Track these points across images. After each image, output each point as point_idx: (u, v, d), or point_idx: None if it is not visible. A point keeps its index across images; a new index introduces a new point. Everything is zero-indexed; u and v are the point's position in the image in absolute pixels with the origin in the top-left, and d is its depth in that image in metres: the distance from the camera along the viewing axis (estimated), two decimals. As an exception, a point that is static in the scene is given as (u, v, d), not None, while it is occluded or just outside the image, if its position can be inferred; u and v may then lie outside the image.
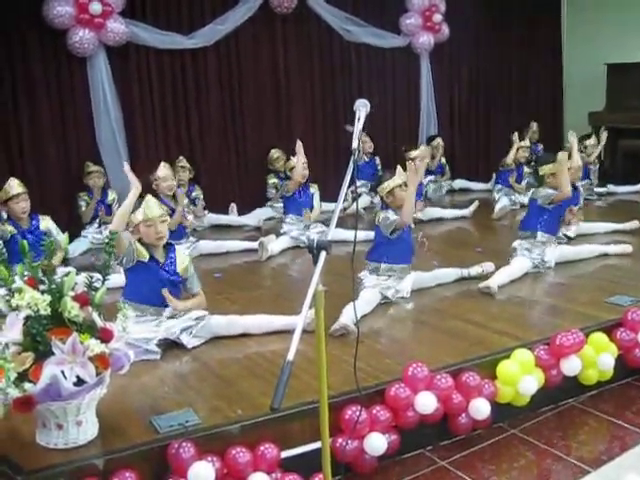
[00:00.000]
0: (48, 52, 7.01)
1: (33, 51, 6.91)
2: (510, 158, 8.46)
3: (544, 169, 5.48)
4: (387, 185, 4.76)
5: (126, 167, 4.42)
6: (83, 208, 6.98)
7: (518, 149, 8.49)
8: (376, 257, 4.77)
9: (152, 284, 3.98)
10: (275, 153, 8.26)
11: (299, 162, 6.65)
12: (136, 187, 4.11)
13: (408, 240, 4.80)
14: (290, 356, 1.89)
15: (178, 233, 6.02)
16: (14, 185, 5.37)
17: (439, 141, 9.34)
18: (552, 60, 10.99)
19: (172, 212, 5.83)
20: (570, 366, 3.80)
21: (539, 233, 5.41)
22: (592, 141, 8.67)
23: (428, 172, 9.19)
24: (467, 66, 10.16)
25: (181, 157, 7.51)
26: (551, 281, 5.26)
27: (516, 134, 8.59)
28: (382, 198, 4.88)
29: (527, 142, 8.82)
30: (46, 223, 5.46)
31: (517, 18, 10.38)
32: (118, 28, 7.08)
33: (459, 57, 10.05)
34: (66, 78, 7.16)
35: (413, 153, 7.67)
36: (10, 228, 5.26)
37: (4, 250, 2.97)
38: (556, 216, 5.46)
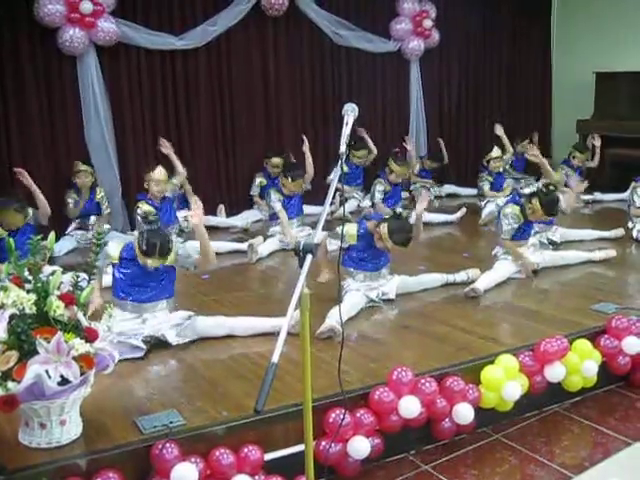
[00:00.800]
0: (38, 50, 6.98)
1: (23, 49, 6.87)
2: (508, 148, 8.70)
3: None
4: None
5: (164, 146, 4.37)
6: (71, 205, 6.96)
7: (492, 159, 8.50)
8: (349, 264, 4.79)
9: (138, 279, 4.02)
10: (279, 161, 8.12)
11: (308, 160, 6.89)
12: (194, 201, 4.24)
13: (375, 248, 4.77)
14: (274, 358, 1.89)
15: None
16: None
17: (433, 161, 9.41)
18: (542, 68, 11.04)
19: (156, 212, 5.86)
20: (554, 372, 3.82)
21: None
22: (582, 156, 8.74)
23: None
24: (457, 72, 10.18)
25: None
26: (536, 287, 5.28)
27: (497, 126, 8.73)
28: None
29: (499, 152, 8.77)
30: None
31: (507, 25, 10.44)
32: (109, 27, 7.06)
33: (449, 63, 10.08)
34: (56, 77, 7.12)
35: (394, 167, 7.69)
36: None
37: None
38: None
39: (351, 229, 4.66)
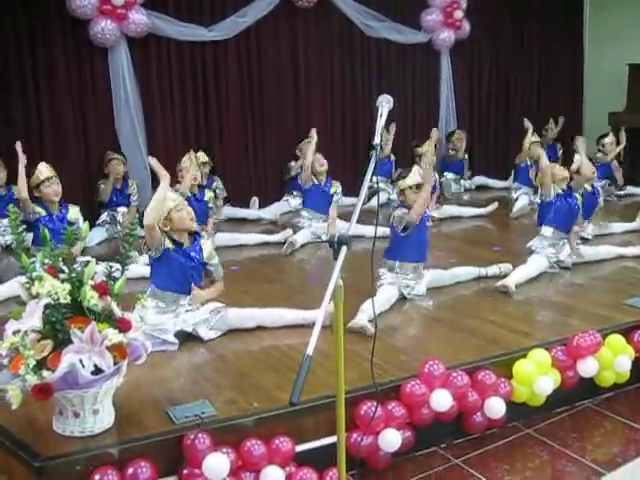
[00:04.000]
0: (70, 42, 7.04)
1: (55, 41, 6.94)
2: (527, 143, 8.44)
3: (404, 183, 4.78)
4: (400, 184, 4.79)
5: (152, 160, 4.40)
6: (102, 187, 7.08)
7: (530, 145, 8.43)
8: (391, 255, 4.77)
9: (176, 271, 4.02)
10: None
11: (309, 153, 6.75)
12: (165, 178, 4.03)
13: (420, 238, 4.77)
14: (309, 350, 1.88)
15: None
16: (43, 170, 5.39)
17: (461, 134, 9.31)
18: (573, 59, 10.91)
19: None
20: (587, 367, 3.78)
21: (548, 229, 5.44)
22: (609, 139, 8.63)
23: (448, 168, 9.18)
24: (487, 63, 10.11)
25: (200, 151, 7.49)
26: (568, 281, 5.23)
27: (526, 120, 8.54)
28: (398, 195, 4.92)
29: (536, 137, 8.69)
30: (75, 213, 5.43)
31: (538, 16, 10.32)
32: (140, 19, 7.10)
33: (479, 54, 10.01)
34: (87, 68, 7.18)
35: (421, 149, 7.66)
36: (39, 209, 5.30)
37: (26, 237, 2.97)
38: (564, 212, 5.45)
39: None
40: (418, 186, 4.67)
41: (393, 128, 8.63)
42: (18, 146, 5.41)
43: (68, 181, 6.66)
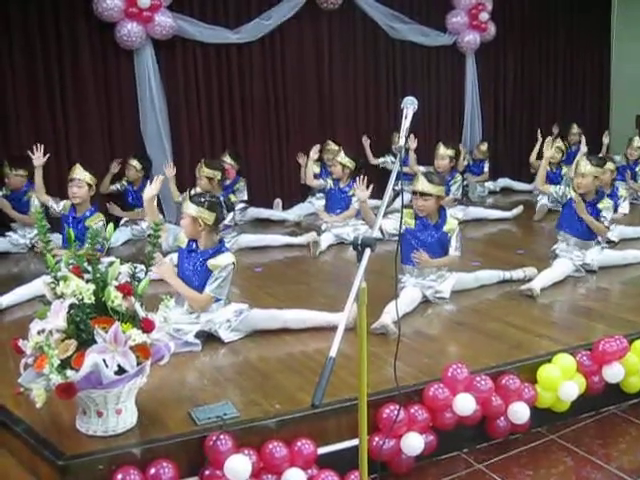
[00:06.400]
0: (96, 45, 7.12)
1: (82, 44, 7.02)
2: (533, 157, 8.37)
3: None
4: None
5: (168, 171, 4.47)
6: (111, 187, 7.30)
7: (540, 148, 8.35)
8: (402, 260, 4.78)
9: (187, 271, 4.05)
10: (329, 144, 8.20)
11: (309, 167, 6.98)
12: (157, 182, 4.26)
13: (421, 243, 4.73)
14: (332, 352, 1.87)
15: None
16: (74, 170, 5.47)
17: (483, 147, 9.26)
18: (599, 60, 10.82)
19: None
20: (612, 373, 3.73)
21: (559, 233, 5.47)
22: (637, 142, 8.54)
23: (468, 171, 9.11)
24: (512, 65, 10.05)
25: (225, 152, 7.53)
26: (594, 285, 5.17)
27: (538, 132, 8.42)
28: None
29: (558, 142, 8.61)
30: (93, 221, 5.43)
31: (564, 16, 10.24)
32: (165, 22, 7.15)
33: (505, 56, 9.96)
34: (113, 70, 7.26)
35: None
36: (67, 205, 5.45)
37: (51, 238, 2.99)
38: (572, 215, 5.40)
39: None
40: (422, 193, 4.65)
41: (414, 142, 7.96)
42: (35, 149, 5.59)
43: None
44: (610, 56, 10.86)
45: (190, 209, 4.04)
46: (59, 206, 5.49)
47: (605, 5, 10.69)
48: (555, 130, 9.65)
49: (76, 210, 5.40)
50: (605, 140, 8.06)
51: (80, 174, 5.43)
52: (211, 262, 4.03)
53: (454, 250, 4.73)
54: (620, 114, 10.60)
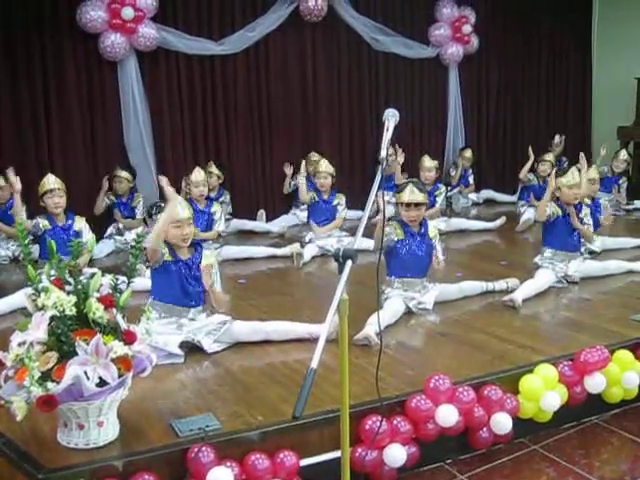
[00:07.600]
0: (80, 56, 7.10)
1: (65, 55, 7.00)
2: (523, 174, 8.46)
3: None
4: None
5: (163, 180, 4.41)
6: (98, 202, 7.14)
7: (533, 164, 8.46)
8: (388, 271, 4.80)
9: (176, 283, 4.02)
10: (314, 156, 8.19)
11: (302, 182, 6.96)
12: (173, 197, 4.02)
13: (409, 254, 4.74)
14: (314, 364, 1.87)
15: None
16: (48, 181, 5.49)
17: (467, 153, 9.32)
18: (582, 73, 10.93)
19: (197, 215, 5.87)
20: (594, 383, 3.75)
21: (549, 249, 5.48)
22: (623, 155, 8.64)
23: (452, 184, 9.17)
24: (496, 78, 10.13)
25: (210, 162, 7.55)
26: (576, 296, 5.20)
27: (530, 149, 8.51)
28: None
29: (550, 156, 8.73)
30: (80, 224, 5.51)
31: (547, 30, 10.36)
32: (149, 33, 7.15)
33: (487, 69, 10.03)
34: (97, 82, 7.24)
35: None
36: (45, 222, 5.37)
37: (32, 249, 2.98)
38: (564, 231, 5.44)
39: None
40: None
41: (401, 157, 8.03)
42: (10, 172, 5.52)
43: (77, 195, 6.74)
44: (592, 68, 10.97)
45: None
46: (38, 226, 5.39)
47: (587, 16, 10.81)
48: (557, 139, 9.74)
49: (56, 220, 5.40)
50: (602, 152, 8.13)
51: (58, 183, 5.47)
52: (203, 263, 4.10)
53: (441, 254, 4.82)
54: (602, 125, 10.70)
